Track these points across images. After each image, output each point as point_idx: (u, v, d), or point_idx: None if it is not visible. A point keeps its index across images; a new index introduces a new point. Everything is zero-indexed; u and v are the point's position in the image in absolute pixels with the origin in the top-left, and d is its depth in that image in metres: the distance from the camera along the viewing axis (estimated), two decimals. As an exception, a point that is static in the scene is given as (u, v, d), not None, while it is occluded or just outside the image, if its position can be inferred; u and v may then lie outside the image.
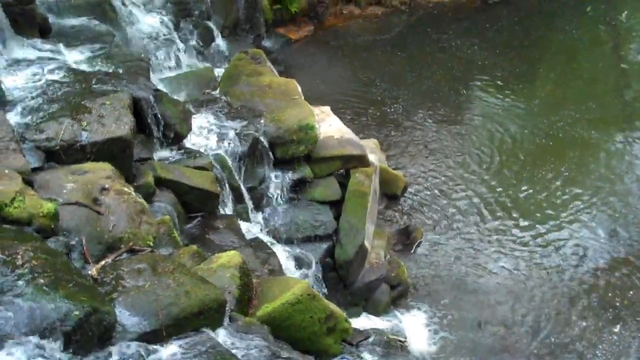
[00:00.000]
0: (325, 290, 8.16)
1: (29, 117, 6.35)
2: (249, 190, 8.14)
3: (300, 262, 7.97)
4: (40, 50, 7.82)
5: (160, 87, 8.39)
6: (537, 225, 10.17)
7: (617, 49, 15.40)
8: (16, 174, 5.09)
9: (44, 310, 3.82)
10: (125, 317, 4.40)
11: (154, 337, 4.40)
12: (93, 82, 7.13)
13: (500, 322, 8.66)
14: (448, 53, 14.82)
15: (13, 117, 6.27)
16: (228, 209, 7.82)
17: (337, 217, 8.51)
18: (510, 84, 13.78)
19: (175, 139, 7.62)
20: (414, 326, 8.52)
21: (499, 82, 13.79)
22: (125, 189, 5.76)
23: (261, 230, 8.08)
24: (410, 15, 16.32)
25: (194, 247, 5.97)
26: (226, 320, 5.00)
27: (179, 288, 4.69)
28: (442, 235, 9.97)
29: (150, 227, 5.63)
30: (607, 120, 12.73)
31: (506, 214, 10.34)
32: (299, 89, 9.17)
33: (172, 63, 10.50)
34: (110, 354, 4.06)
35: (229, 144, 7.93)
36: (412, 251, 9.65)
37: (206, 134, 8.09)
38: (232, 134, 8.08)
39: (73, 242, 5.03)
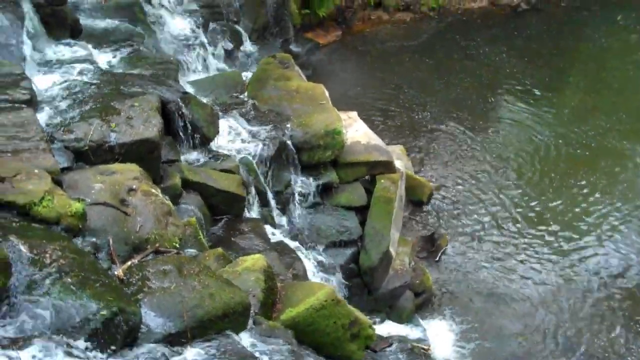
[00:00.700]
0: (348, 295, 8.13)
1: (59, 117, 6.42)
2: (275, 194, 8.15)
3: (324, 268, 7.94)
4: (70, 51, 7.92)
5: (189, 89, 8.43)
6: (566, 236, 9.98)
7: (648, 58, 15.17)
8: (45, 173, 5.12)
9: (71, 309, 3.84)
10: (151, 318, 4.42)
11: (178, 338, 4.41)
12: (122, 83, 7.19)
13: (526, 333, 8.53)
14: (476, 60, 14.70)
15: (43, 117, 6.34)
16: (254, 212, 7.83)
17: (362, 223, 8.48)
18: (539, 92, 13.59)
19: (202, 141, 7.65)
20: (438, 334, 8.44)
21: (527, 91, 13.62)
22: (153, 191, 5.79)
23: (286, 234, 8.07)
24: (438, 22, 16.22)
25: (219, 249, 5.99)
26: (250, 324, 5.01)
27: (204, 290, 4.70)
28: (467, 244, 9.86)
29: (177, 229, 5.65)
30: (639, 130, 12.53)
31: (534, 224, 10.18)
32: (327, 93, 9.16)
33: (201, 66, 10.57)
34: (136, 356, 4.06)
35: (256, 147, 7.94)
36: (437, 259, 9.56)
37: (233, 137, 8.12)
38: (259, 137, 8.10)
39: (100, 242, 5.06)
